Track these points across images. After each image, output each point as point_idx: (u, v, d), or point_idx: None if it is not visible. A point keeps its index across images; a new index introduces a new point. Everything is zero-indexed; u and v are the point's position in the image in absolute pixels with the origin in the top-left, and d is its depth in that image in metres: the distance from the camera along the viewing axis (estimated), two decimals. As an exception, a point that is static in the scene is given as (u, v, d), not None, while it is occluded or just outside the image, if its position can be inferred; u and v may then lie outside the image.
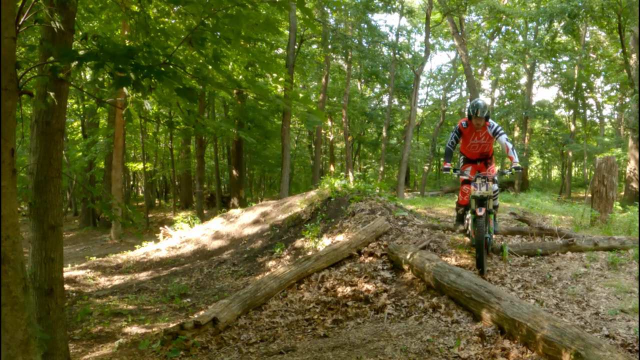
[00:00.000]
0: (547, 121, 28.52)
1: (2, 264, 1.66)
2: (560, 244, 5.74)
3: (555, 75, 28.50)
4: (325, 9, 18.48)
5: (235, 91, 15.65)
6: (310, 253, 6.45)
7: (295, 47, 16.56)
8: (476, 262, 4.97)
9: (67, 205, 25.90)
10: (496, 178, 5.28)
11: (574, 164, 35.40)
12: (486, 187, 5.03)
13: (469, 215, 5.52)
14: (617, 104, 29.36)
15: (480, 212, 4.90)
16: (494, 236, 5.92)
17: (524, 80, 29.33)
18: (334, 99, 27.82)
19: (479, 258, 4.85)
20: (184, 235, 10.58)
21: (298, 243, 7.67)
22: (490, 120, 5.24)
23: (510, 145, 4.99)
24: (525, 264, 5.31)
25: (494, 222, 5.46)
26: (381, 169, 25.76)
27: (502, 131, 5.15)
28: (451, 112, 33.63)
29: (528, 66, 26.16)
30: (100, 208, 3.36)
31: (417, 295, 4.75)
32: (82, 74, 13.11)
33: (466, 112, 5.49)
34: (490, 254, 5.65)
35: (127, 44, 3.72)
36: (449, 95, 33.28)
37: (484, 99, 5.49)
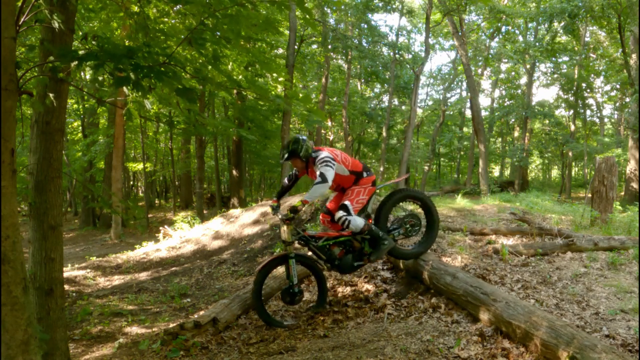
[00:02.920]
0: (547, 121, 28.53)
1: (2, 264, 1.66)
2: (560, 244, 5.74)
3: (555, 75, 28.52)
4: (325, 9, 18.49)
5: (235, 91, 15.64)
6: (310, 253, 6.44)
7: (295, 47, 16.55)
8: None
9: (67, 205, 25.89)
10: (348, 204, 4.36)
11: (574, 164, 35.42)
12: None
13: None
14: (617, 104, 29.40)
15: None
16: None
17: (524, 80, 29.35)
18: (334, 99, 27.82)
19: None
20: (184, 235, 10.59)
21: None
22: (316, 153, 4.34)
23: (316, 180, 4.11)
24: (525, 264, 5.31)
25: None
26: (381, 169, 25.76)
27: (322, 163, 4.14)
28: (451, 112, 33.63)
29: (528, 66, 26.16)
30: (101, 204, 3.36)
31: (417, 295, 4.75)
32: (82, 74, 13.10)
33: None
34: (491, 254, 5.65)
35: (127, 44, 3.72)
36: (449, 95, 33.30)
37: (301, 135, 4.54)
